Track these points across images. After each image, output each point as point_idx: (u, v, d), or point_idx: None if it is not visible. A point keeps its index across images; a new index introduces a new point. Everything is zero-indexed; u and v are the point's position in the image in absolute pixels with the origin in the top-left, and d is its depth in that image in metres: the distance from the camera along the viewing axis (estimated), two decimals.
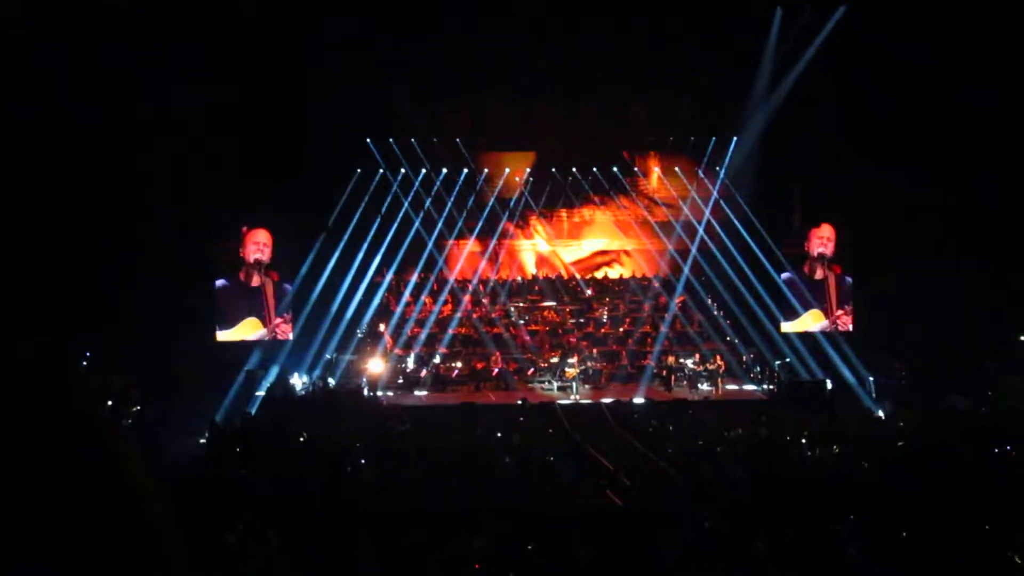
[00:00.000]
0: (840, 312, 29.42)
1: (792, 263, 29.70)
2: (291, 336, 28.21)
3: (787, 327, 29.43)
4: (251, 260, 27.78)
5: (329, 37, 24.78)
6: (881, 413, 24.92)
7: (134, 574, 1.46)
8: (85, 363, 22.67)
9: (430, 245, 31.79)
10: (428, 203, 31.97)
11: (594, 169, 32.92)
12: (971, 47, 23.10)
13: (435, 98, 29.40)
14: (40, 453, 1.42)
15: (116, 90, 22.48)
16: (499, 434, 20.82)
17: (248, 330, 27.98)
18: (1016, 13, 22.43)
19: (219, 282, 27.96)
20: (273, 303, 27.96)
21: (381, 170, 31.50)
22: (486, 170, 32.55)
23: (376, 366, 27.81)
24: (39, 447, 1.43)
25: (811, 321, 29.45)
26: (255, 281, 27.88)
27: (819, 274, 29.49)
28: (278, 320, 28.03)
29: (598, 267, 33.91)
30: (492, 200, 32.77)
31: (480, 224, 32.59)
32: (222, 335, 27.91)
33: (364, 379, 26.92)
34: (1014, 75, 23.03)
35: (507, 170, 32.68)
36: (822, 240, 29.50)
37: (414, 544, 11.93)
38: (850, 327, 29.25)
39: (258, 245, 27.95)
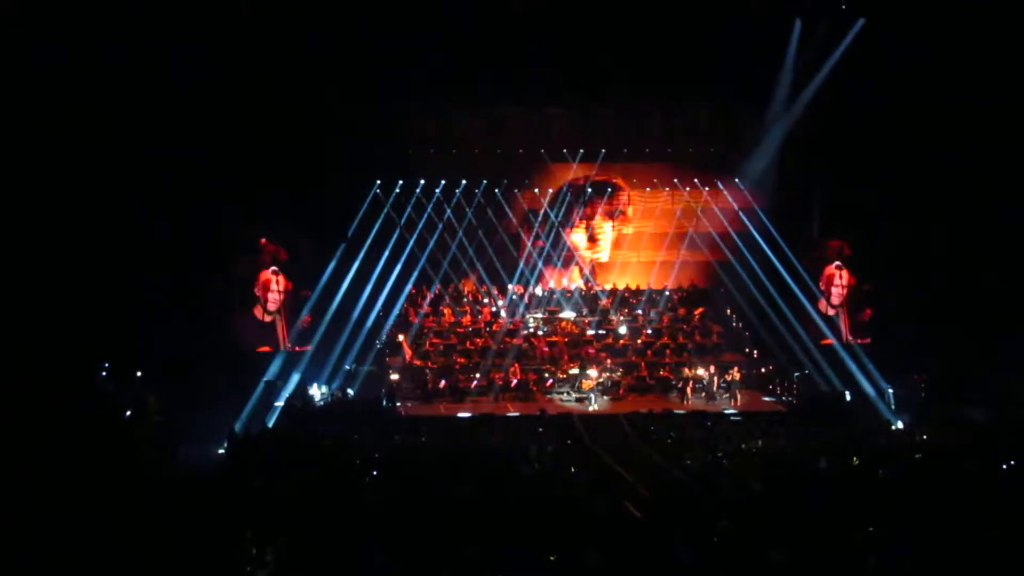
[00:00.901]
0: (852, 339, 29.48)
1: (809, 274, 29.73)
2: (307, 349, 28.26)
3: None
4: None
5: (347, 49, 24.95)
6: (900, 424, 24.84)
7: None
8: (104, 373, 22.78)
9: (448, 257, 31.83)
10: (448, 213, 32.03)
11: (614, 181, 32.95)
12: (988, 57, 23.08)
13: (449, 108, 29.48)
14: (57, 458, 1.46)
15: (146, 103, 22.65)
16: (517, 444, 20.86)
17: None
18: None
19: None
20: (285, 334, 28.10)
21: (400, 181, 31.60)
22: (505, 181, 32.56)
23: (395, 377, 27.87)
24: (56, 452, 1.47)
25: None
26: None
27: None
28: (290, 347, 28.19)
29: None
30: (509, 211, 32.79)
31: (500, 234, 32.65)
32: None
33: (383, 390, 26.96)
34: None
35: (526, 182, 32.69)
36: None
37: (430, 553, 11.95)
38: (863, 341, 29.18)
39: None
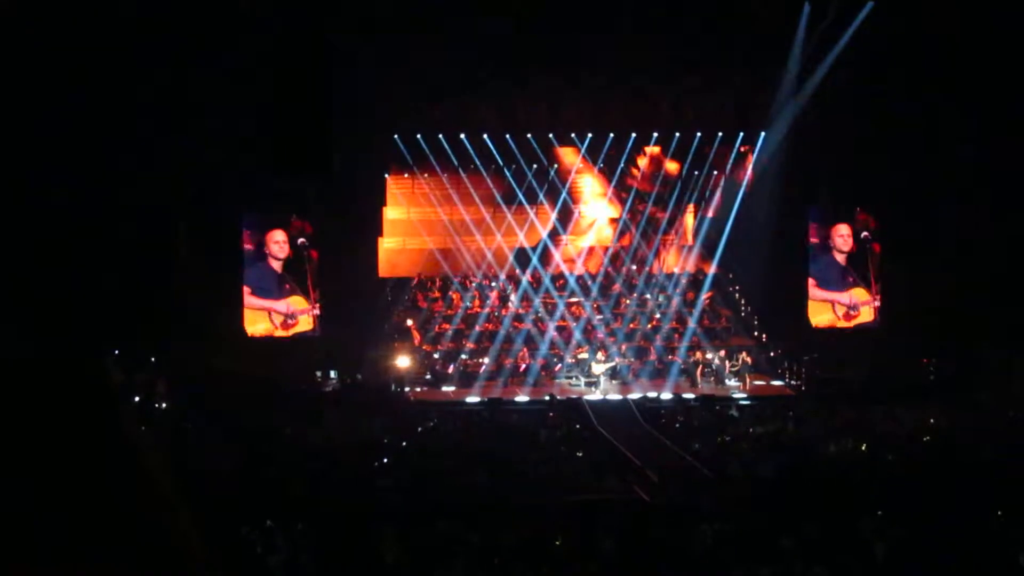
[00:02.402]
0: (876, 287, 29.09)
1: (818, 256, 29.54)
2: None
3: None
4: (273, 255, 27.81)
5: (355, 29, 24.92)
6: (908, 409, 24.83)
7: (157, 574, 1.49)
8: (113, 360, 22.79)
9: (457, 241, 31.75)
10: (457, 200, 31.92)
11: (620, 165, 32.82)
12: (998, 38, 23.01)
13: (461, 92, 29.38)
14: (59, 452, 1.45)
15: (152, 85, 22.63)
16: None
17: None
18: None
19: (261, 268, 28.03)
20: (312, 281, 28.01)
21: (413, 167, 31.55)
22: (513, 165, 32.33)
23: (403, 362, 27.87)
24: (58, 445, 1.46)
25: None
26: (279, 269, 27.86)
27: (843, 260, 29.17)
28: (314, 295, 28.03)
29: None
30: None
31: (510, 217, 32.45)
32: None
33: (391, 375, 26.98)
34: None
35: (535, 166, 32.41)
36: (844, 237, 29.20)
37: (441, 539, 11.99)
38: (877, 302, 28.96)
39: (280, 244, 27.94)
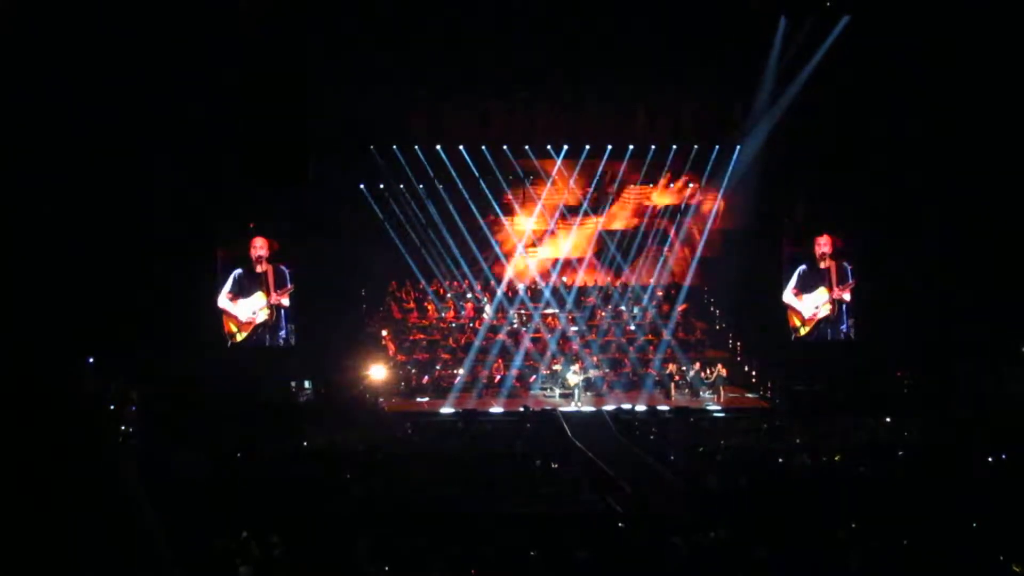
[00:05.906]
0: (839, 289, 29.29)
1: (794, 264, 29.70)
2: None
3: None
4: (255, 257, 28.04)
5: (330, 41, 24.87)
6: (883, 420, 24.93)
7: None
8: (88, 368, 22.63)
9: (432, 251, 31.77)
10: (433, 210, 31.93)
11: (595, 183, 32.89)
12: (973, 55, 23.15)
13: (436, 102, 29.39)
14: (39, 455, 1.43)
15: (122, 95, 22.48)
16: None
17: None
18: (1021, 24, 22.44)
19: (237, 271, 28.18)
20: (273, 282, 28.33)
21: (385, 176, 31.54)
22: (489, 176, 32.35)
23: (378, 373, 27.81)
24: (39, 449, 1.44)
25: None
26: (259, 269, 28.07)
27: (823, 264, 29.41)
28: (275, 293, 28.15)
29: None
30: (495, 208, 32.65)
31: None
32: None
33: (366, 385, 26.91)
34: (1016, 82, 23.03)
35: (511, 176, 32.46)
36: (822, 245, 29.48)
37: (416, 550, 11.94)
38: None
39: (257, 248, 28.17)
